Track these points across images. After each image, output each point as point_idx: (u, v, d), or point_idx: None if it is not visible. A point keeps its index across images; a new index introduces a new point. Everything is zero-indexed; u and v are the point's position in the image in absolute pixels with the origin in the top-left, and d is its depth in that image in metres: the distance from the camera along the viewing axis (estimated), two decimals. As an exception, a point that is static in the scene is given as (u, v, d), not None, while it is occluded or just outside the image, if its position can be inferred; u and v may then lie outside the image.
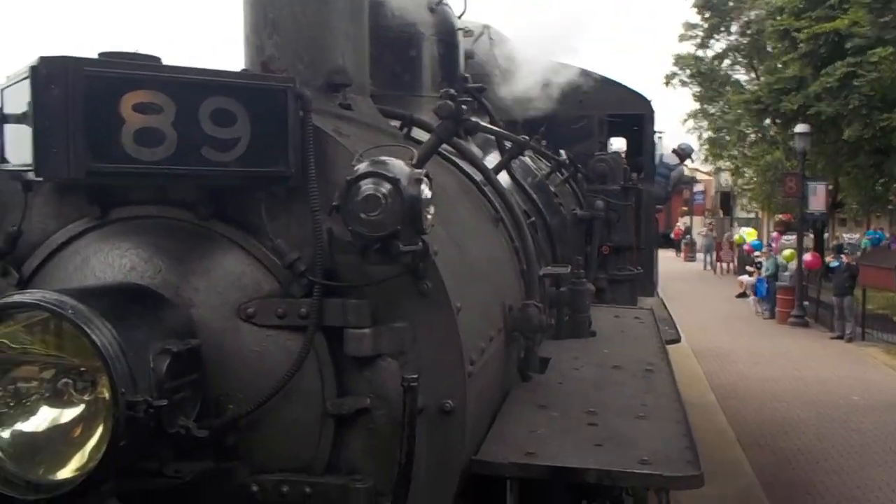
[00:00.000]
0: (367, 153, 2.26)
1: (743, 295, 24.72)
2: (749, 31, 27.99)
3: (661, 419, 3.06)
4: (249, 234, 2.43)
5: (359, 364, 2.41)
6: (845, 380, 13.80)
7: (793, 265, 21.41)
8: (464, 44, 4.67)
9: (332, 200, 2.24)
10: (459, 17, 4.43)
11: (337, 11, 3.01)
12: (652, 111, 9.28)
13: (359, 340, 2.36)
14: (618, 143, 10.72)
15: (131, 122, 2.07)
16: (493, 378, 3.01)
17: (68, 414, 2.04)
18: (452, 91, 2.68)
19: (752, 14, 27.38)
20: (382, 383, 2.39)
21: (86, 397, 2.06)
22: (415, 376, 2.30)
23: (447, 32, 4.33)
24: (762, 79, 26.57)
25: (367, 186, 2.10)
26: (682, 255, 40.40)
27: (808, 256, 21.37)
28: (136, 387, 1.98)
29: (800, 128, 20.33)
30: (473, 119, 3.44)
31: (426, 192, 2.12)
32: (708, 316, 20.67)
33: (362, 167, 2.13)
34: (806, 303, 20.65)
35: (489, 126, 4.25)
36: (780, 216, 29.63)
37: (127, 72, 2.07)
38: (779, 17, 22.11)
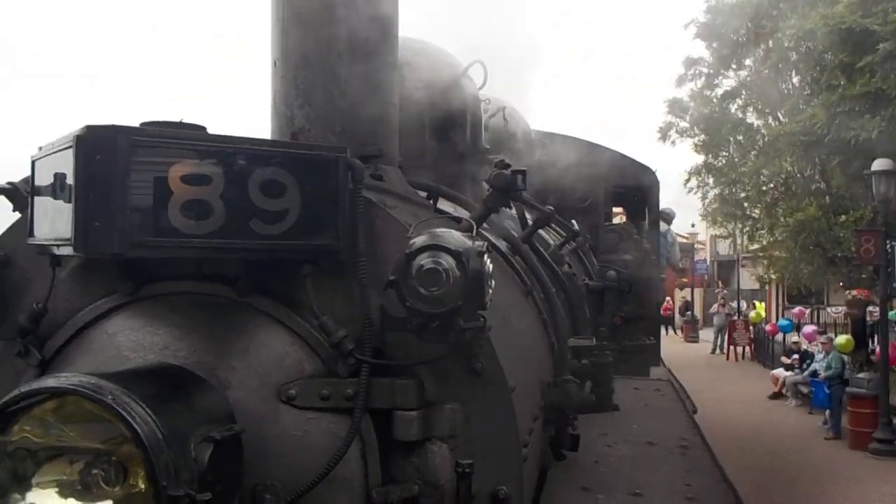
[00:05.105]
0: (422, 225, 2.16)
1: (778, 395, 18.41)
2: (770, 61, 20.33)
3: (713, 503, 2.92)
4: (293, 311, 2.29)
5: (406, 448, 2.26)
6: None
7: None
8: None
9: (381, 274, 2.13)
10: (480, 89, 4.41)
11: (368, 83, 2.97)
12: (657, 181, 9.32)
13: (408, 423, 2.22)
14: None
15: (179, 194, 1.96)
16: (535, 459, 2.86)
17: None
18: (507, 161, 2.61)
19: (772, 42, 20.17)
20: (433, 469, 2.24)
21: (116, 490, 1.89)
22: (470, 462, 2.16)
23: (471, 105, 4.31)
24: (786, 117, 19.73)
25: (426, 260, 1.98)
26: (683, 334, 34.10)
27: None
28: (179, 479, 1.82)
29: (879, 164, 14.00)
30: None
31: (489, 265, 2.02)
32: (745, 431, 13.78)
33: (420, 240, 2.02)
34: (895, 419, 13.61)
35: (524, 196, 4.18)
36: (854, 292, 20.74)
37: (176, 141, 1.97)
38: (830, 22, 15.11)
